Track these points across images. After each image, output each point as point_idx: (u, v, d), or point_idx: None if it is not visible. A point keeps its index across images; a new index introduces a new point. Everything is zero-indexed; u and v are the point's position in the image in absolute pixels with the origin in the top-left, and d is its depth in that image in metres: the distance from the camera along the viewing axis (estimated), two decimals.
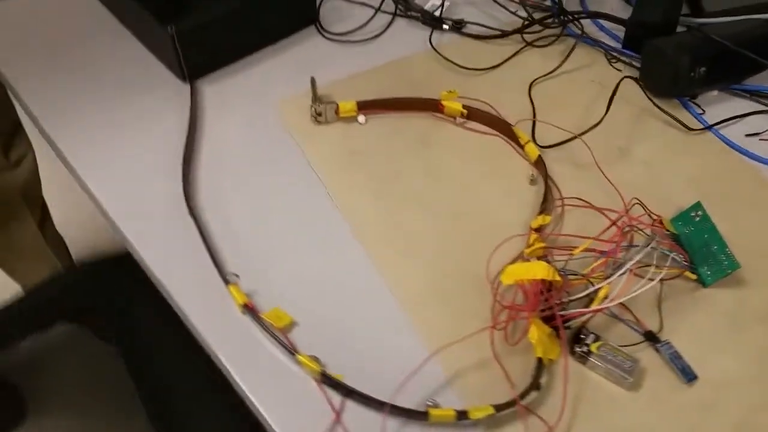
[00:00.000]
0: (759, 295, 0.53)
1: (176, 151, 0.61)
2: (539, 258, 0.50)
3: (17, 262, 0.96)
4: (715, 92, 0.71)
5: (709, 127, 0.67)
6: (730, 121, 0.67)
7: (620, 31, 0.77)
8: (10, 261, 0.96)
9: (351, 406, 0.46)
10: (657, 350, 0.49)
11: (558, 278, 0.46)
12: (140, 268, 0.54)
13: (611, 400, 0.46)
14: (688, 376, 0.47)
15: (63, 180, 0.71)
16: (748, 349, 0.50)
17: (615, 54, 0.75)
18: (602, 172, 0.60)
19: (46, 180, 0.99)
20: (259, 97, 0.67)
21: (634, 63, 0.74)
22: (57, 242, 1.00)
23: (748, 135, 0.66)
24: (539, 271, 0.46)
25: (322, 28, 0.75)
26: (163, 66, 0.69)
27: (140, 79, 0.68)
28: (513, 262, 0.51)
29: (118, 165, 0.60)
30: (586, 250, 0.50)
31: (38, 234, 0.92)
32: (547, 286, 0.46)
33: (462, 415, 0.43)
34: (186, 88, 0.67)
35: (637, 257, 0.47)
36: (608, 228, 0.51)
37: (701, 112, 0.69)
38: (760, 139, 0.66)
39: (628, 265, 0.46)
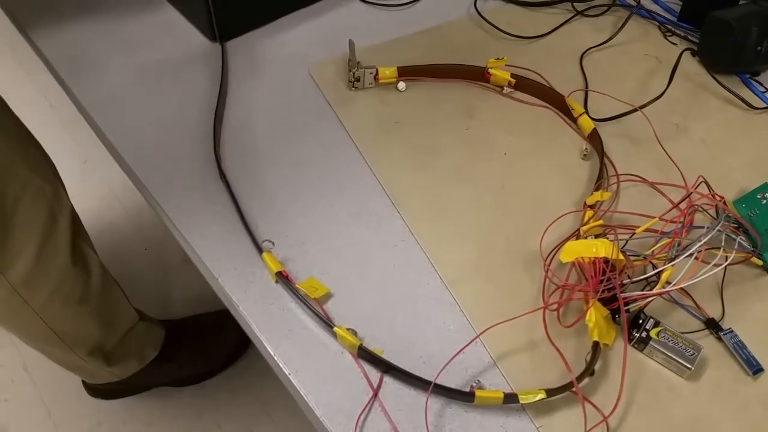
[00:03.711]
0: None
1: (206, 115, 0.58)
2: (597, 236, 0.47)
3: None
4: None
5: None
6: None
7: (675, 3, 0.72)
8: None
9: (389, 383, 0.43)
10: (719, 338, 0.45)
11: (621, 257, 0.43)
12: None
13: (670, 389, 0.43)
14: (754, 367, 0.44)
15: None
16: None
17: (670, 27, 0.70)
18: (663, 149, 0.56)
19: None
20: (292, 60, 0.64)
21: (690, 37, 0.69)
22: None
23: None
24: (602, 248, 0.43)
25: None
26: (194, 27, 0.66)
27: (170, 41, 0.65)
28: (568, 239, 0.48)
29: (146, 127, 0.57)
30: (647, 230, 0.46)
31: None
32: (608, 266, 0.43)
33: (511, 398, 0.41)
34: (216, 49, 0.63)
35: (706, 239, 0.43)
36: (673, 208, 0.47)
37: (764, 90, 0.65)
38: None
39: (696, 247, 0.43)
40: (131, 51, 0.64)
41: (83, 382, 1.02)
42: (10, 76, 1.52)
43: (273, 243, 0.49)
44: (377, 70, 0.61)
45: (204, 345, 1.04)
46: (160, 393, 1.04)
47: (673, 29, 0.70)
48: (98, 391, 1.02)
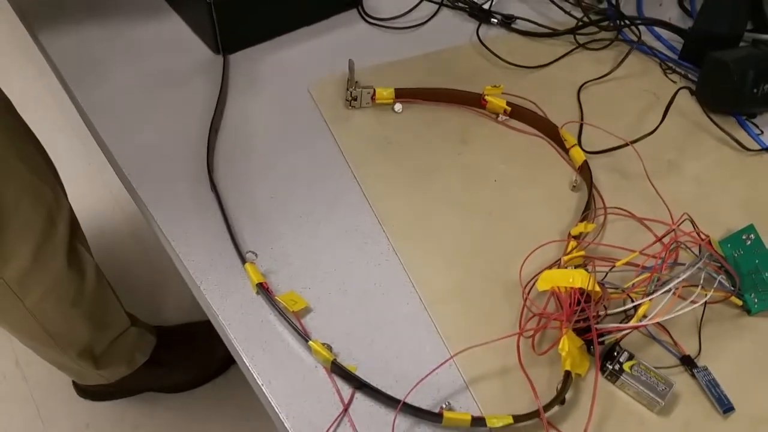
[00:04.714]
0: None
1: (203, 125, 0.59)
2: (577, 267, 0.47)
3: None
4: None
5: (767, 149, 0.63)
6: None
7: (677, 41, 0.73)
8: None
9: (361, 399, 0.44)
10: (693, 376, 0.45)
11: (597, 289, 0.43)
12: None
13: (639, 423, 0.43)
14: (725, 406, 0.44)
15: None
16: None
17: (671, 64, 0.71)
18: (651, 184, 0.56)
19: None
20: (292, 76, 0.65)
21: (689, 75, 0.70)
22: None
23: None
24: (578, 279, 0.43)
25: (364, 12, 0.72)
26: (197, 38, 0.67)
27: (173, 50, 0.66)
28: (549, 268, 0.48)
29: (142, 132, 0.59)
30: (628, 264, 0.47)
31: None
32: (583, 297, 0.43)
33: (478, 421, 0.41)
34: (218, 61, 0.65)
35: (684, 275, 0.43)
36: (655, 242, 0.47)
37: (759, 132, 0.65)
38: None
39: (674, 283, 0.43)
40: (135, 56, 0.65)
41: (73, 382, 1.02)
42: (22, 76, 1.56)
43: (256, 254, 0.50)
44: (374, 91, 0.62)
45: (195, 353, 1.05)
46: (149, 398, 1.04)
47: (674, 67, 0.71)
48: (87, 392, 1.03)
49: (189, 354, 1.04)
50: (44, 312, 0.75)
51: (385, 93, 0.62)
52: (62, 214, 0.72)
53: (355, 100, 0.62)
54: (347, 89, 0.61)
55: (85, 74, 0.63)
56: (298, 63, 0.67)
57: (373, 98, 0.62)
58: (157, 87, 0.63)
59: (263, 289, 0.47)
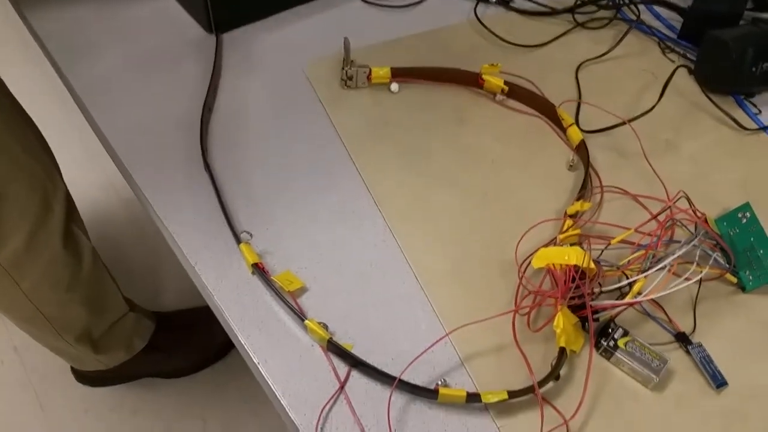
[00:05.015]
0: None
1: (197, 105, 0.58)
2: (572, 245, 0.47)
3: None
4: None
5: (765, 128, 0.63)
6: None
7: (676, 20, 0.73)
8: None
9: (357, 377, 0.44)
10: (687, 352, 0.45)
11: (593, 266, 0.43)
12: None
13: (634, 399, 0.43)
14: (718, 381, 0.44)
15: None
16: None
17: (669, 44, 0.71)
18: (649, 163, 0.56)
19: None
20: (287, 56, 0.65)
21: (688, 54, 0.70)
22: None
23: None
24: (573, 256, 0.43)
25: None
26: (189, 17, 0.67)
27: (165, 29, 0.66)
28: (545, 247, 0.48)
29: (135, 113, 0.58)
30: (624, 241, 0.47)
31: None
32: (579, 274, 0.43)
33: (473, 397, 0.41)
34: (211, 40, 0.64)
35: (679, 252, 0.43)
36: (650, 219, 0.47)
37: (757, 112, 0.65)
38: None
39: (668, 260, 0.43)
40: (126, 37, 0.65)
41: (71, 368, 1.03)
42: (17, 58, 1.54)
43: (251, 234, 0.50)
44: (370, 70, 0.61)
45: (194, 338, 1.05)
46: (148, 383, 1.05)
47: (672, 46, 0.71)
48: (86, 377, 1.03)
49: (188, 339, 1.04)
50: (40, 295, 0.75)
51: (381, 72, 0.61)
52: (58, 195, 0.72)
53: (351, 79, 0.61)
54: (343, 69, 0.61)
55: (75, 55, 0.62)
56: (292, 42, 0.66)
57: (369, 78, 0.61)
58: (149, 68, 0.62)
59: (259, 269, 0.47)
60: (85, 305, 0.81)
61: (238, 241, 0.49)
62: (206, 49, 0.64)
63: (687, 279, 0.43)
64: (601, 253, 0.47)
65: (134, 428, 1.02)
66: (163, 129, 0.57)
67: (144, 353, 0.97)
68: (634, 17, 0.72)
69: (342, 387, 0.43)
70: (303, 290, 0.48)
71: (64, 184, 0.75)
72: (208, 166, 0.54)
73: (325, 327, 0.45)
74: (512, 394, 0.41)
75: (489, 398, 0.41)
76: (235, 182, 0.54)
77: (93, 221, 1.21)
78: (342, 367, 0.44)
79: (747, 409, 0.43)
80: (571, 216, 0.51)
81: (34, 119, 0.75)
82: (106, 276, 0.86)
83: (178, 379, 1.06)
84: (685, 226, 0.50)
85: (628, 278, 0.45)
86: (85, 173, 1.33)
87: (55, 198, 0.71)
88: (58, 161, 0.78)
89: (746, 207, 0.51)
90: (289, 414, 0.42)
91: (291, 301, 0.46)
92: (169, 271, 1.18)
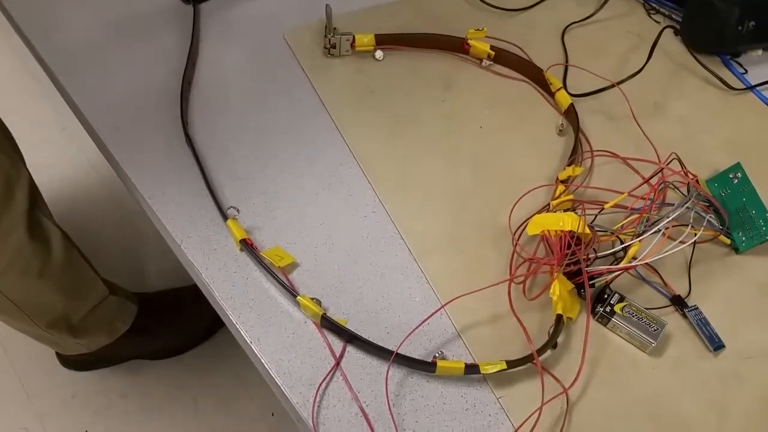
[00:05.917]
0: None
1: (176, 78, 0.56)
2: (566, 211, 0.46)
3: None
4: (760, 52, 0.66)
5: (752, 88, 0.62)
6: None
7: None
8: None
9: (352, 352, 0.43)
10: (684, 315, 0.45)
11: (587, 231, 0.42)
12: None
13: (632, 364, 0.43)
14: (715, 343, 0.44)
15: None
16: None
17: (655, 5, 0.70)
18: (638, 125, 0.55)
19: None
20: (267, 24, 0.62)
21: (674, 16, 0.69)
22: None
23: None
24: (568, 222, 0.42)
25: None
26: None
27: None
28: (538, 213, 0.47)
29: (112, 87, 0.56)
30: (617, 206, 0.46)
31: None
32: (573, 240, 0.43)
33: (471, 368, 0.40)
34: (188, 10, 0.62)
35: (673, 215, 0.43)
36: (643, 183, 0.47)
37: (743, 71, 0.64)
38: None
39: (663, 223, 0.42)
40: (99, 7, 0.62)
41: (56, 353, 1.01)
42: None
43: (238, 210, 0.48)
44: (354, 37, 0.59)
45: (180, 318, 1.03)
46: (135, 365, 1.03)
47: (657, 7, 0.70)
48: (71, 362, 1.01)
49: (173, 320, 1.03)
50: (8, 284, 0.73)
51: (365, 40, 0.60)
52: (21, 182, 0.69)
53: (334, 47, 0.59)
54: (325, 36, 0.59)
55: (46, 28, 0.59)
56: (272, 9, 0.64)
57: (352, 45, 0.59)
58: (124, 39, 0.59)
59: (247, 245, 0.46)
60: (59, 292, 0.79)
61: (225, 217, 0.48)
62: (182, 17, 0.61)
63: (682, 242, 0.43)
64: (594, 218, 0.46)
65: (124, 412, 1.01)
66: (142, 104, 0.55)
67: (128, 336, 0.96)
68: None
69: (338, 363, 0.42)
70: (294, 265, 0.47)
71: (28, 171, 0.72)
72: (190, 141, 0.52)
73: (318, 302, 0.44)
74: (511, 364, 0.40)
75: (487, 369, 0.40)
76: (218, 156, 0.52)
77: (72, 202, 1.18)
78: (337, 343, 0.43)
79: (744, 371, 0.44)
80: (562, 182, 0.50)
81: (5, 99, 0.71)
82: (81, 261, 0.84)
83: (167, 360, 1.04)
84: (678, 189, 0.50)
85: (622, 243, 0.44)
86: (62, 154, 1.29)
87: (18, 185, 0.68)
88: (35, 142, 0.75)
89: (737, 167, 0.51)
90: (285, 393, 0.41)
91: (282, 277, 0.45)
92: (153, 251, 1.16)
